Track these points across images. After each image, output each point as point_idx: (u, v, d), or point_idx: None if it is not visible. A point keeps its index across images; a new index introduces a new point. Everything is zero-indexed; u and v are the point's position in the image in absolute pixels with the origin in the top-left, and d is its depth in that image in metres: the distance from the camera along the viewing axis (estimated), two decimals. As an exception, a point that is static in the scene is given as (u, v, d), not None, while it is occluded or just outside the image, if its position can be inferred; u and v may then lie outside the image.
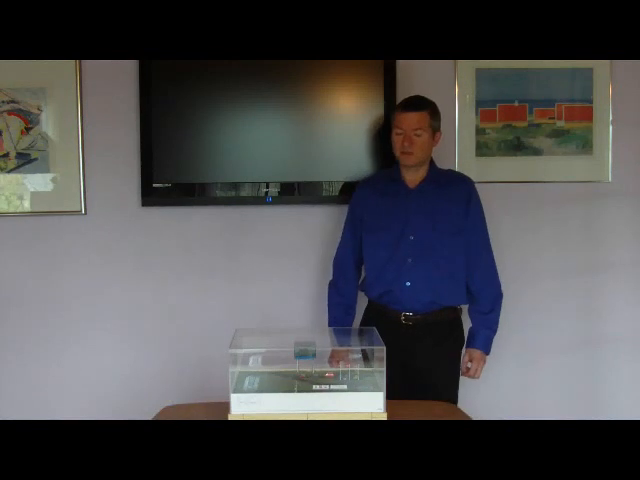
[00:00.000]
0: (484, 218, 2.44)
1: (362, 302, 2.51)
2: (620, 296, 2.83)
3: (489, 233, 2.44)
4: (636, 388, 2.85)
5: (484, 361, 2.44)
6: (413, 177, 2.42)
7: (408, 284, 2.36)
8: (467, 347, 2.45)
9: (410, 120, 2.35)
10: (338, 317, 2.49)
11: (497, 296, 2.44)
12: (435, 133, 2.40)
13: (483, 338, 2.43)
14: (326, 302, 2.52)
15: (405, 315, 2.37)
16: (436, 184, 2.42)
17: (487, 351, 2.44)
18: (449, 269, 2.38)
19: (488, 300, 2.43)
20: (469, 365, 2.44)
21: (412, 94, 2.44)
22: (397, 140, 2.38)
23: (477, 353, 2.43)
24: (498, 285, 2.45)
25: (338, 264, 2.53)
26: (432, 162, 2.46)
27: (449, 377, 2.42)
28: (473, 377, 2.44)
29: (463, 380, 2.45)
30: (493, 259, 2.45)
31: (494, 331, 2.45)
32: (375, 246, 2.42)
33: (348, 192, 2.58)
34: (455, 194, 2.42)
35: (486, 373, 2.41)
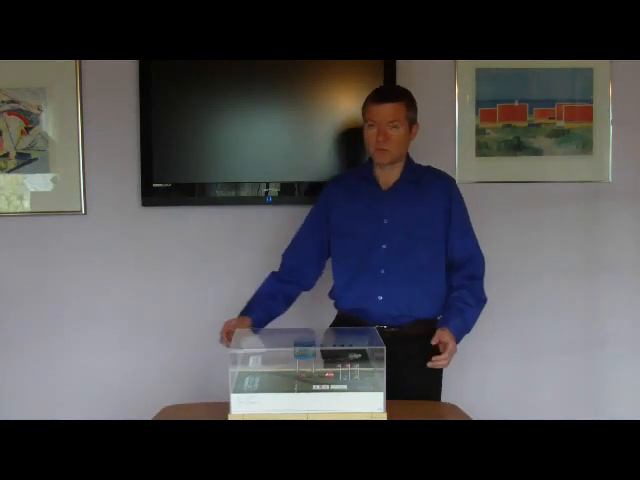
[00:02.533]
0: (468, 217, 2.22)
1: (330, 312, 2.37)
2: (620, 296, 2.83)
3: (489, 233, 2.33)
4: (636, 388, 2.85)
5: (452, 341, 2.05)
6: (387, 176, 2.20)
7: (380, 298, 2.15)
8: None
9: (384, 112, 2.09)
10: (265, 304, 2.21)
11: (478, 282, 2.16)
12: (412, 126, 2.15)
13: (453, 313, 2.10)
14: (323, 301, 2.36)
15: (378, 327, 2.08)
16: (412, 184, 2.19)
17: (453, 328, 2.06)
18: (425, 281, 2.16)
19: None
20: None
21: (412, 94, 2.21)
22: (370, 135, 2.13)
23: (446, 331, 2.06)
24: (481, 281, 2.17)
25: (287, 261, 2.30)
26: (408, 158, 2.23)
27: (426, 393, 2.12)
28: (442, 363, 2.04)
29: (463, 380, 2.42)
30: (483, 259, 2.18)
31: (467, 310, 2.11)
32: (345, 253, 2.21)
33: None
34: (433, 195, 2.18)
35: (486, 373, 2.40)
